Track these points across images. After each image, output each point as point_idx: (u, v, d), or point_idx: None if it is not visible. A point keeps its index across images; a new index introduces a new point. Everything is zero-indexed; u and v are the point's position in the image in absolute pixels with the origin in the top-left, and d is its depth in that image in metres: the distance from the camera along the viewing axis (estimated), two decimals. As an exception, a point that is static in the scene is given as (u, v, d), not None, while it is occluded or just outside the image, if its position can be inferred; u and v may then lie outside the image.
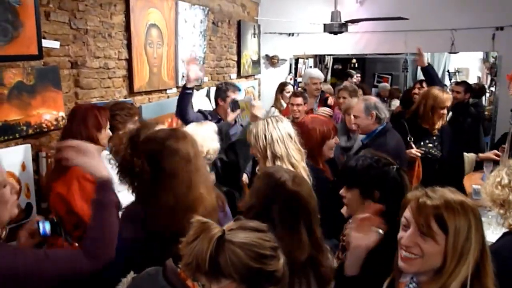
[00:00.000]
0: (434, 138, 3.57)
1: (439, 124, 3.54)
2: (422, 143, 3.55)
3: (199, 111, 3.54)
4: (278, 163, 2.19)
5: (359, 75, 8.28)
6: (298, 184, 1.55)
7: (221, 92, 3.60)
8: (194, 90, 3.41)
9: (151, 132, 1.72)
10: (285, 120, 2.33)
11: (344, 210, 2.00)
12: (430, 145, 3.56)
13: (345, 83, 5.02)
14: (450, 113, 4.59)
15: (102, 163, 1.53)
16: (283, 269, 1.17)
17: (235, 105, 3.51)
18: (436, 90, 3.60)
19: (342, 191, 1.89)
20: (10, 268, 1.24)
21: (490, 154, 3.63)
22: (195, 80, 3.28)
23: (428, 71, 4.21)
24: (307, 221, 1.51)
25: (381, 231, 1.50)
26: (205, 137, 2.87)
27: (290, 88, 5.04)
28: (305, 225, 1.50)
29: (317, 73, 5.01)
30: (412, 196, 1.28)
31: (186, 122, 3.23)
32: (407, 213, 1.26)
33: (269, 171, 1.66)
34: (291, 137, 2.25)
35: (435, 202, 1.21)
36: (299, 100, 4.25)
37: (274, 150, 2.21)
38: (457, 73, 8.85)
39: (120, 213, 1.57)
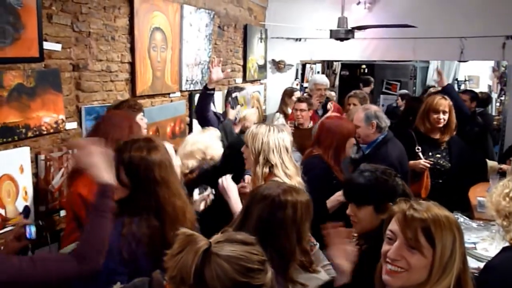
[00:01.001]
0: (442, 149, 3.50)
1: (445, 136, 3.47)
2: (430, 154, 3.47)
3: (213, 113, 3.59)
4: (269, 170, 2.16)
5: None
6: (289, 193, 1.57)
7: (227, 95, 3.70)
8: (215, 91, 3.47)
9: (126, 142, 1.75)
10: (286, 133, 2.30)
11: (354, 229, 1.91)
12: (438, 155, 3.48)
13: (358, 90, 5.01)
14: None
15: (108, 167, 1.53)
16: (271, 283, 1.14)
17: (234, 101, 3.54)
18: (433, 96, 3.59)
19: (349, 211, 1.82)
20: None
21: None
22: (216, 81, 3.38)
23: (449, 91, 4.01)
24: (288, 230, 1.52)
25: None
26: (208, 144, 2.87)
27: (298, 93, 5.02)
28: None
29: (321, 79, 4.98)
30: (398, 209, 1.26)
31: (206, 120, 3.35)
32: (394, 226, 1.25)
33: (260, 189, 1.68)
34: (287, 150, 2.22)
35: (422, 215, 1.21)
36: (303, 105, 4.26)
37: (269, 157, 2.17)
38: (467, 82, 8.75)
39: None
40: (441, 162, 3.47)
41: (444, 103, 3.42)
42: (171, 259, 1.12)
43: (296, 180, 2.15)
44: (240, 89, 3.83)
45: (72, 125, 2.74)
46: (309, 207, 1.59)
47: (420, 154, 3.44)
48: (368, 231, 1.77)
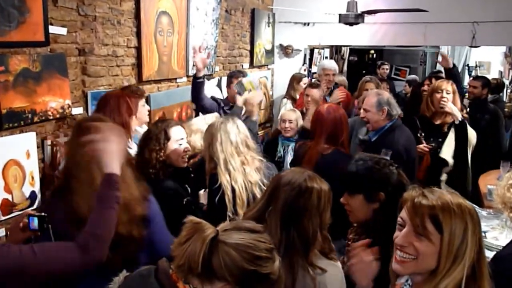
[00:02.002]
0: (444, 134, 3.52)
1: (447, 121, 3.50)
2: (431, 139, 3.52)
3: (213, 98, 3.61)
4: (212, 165, 2.18)
5: (387, 66, 7.70)
6: (314, 181, 1.56)
7: (228, 78, 3.69)
8: (205, 79, 3.47)
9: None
10: (241, 125, 2.30)
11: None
12: (440, 140, 3.51)
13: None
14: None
15: (117, 157, 1.51)
16: (279, 272, 1.14)
17: (241, 87, 3.50)
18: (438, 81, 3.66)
19: (343, 199, 1.83)
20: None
21: None
22: (203, 68, 3.36)
23: (453, 73, 4.04)
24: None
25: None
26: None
27: (306, 80, 4.96)
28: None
29: (330, 64, 4.91)
30: (408, 196, 1.25)
31: (202, 108, 3.39)
32: (403, 213, 1.24)
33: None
34: (231, 142, 2.20)
35: (431, 202, 1.19)
36: (315, 91, 4.18)
37: (213, 151, 2.20)
38: (478, 68, 8.60)
39: None
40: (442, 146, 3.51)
41: (447, 84, 3.50)
42: (178, 247, 1.12)
43: (239, 172, 2.17)
44: (243, 73, 3.75)
45: (78, 110, 2.73)
46: (331, 196, 1.60)
47: (422, 139, 3.50)
48: (363, 221, 1.79)
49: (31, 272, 1.28)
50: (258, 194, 2.09)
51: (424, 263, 1.19)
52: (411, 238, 1.20)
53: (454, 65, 4.12)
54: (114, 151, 1.50)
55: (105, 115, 2.28)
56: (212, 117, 2.93)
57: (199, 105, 3.43)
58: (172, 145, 2.30)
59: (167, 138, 2.28)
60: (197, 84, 3.37)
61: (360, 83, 4.64)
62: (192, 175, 2.50)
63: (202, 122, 2.91)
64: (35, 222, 1.55)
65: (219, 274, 1.07)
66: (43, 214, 1.58)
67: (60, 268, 1.34)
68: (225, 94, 4.07)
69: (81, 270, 1.41)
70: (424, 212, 1.18)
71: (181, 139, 2.33)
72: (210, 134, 2.28)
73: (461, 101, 4.03)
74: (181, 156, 2.34)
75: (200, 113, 3.48)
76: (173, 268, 1.15)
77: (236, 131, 2.26)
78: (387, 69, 7.45)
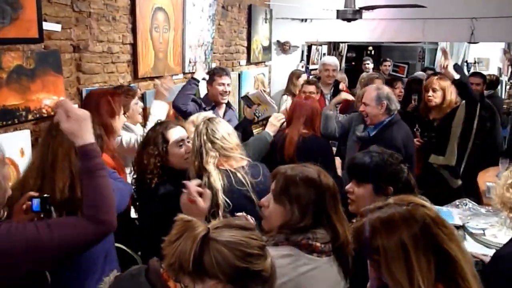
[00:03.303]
0: (434, 128, 3.57)
1: (437, 116, 3.54)
2: (426, 134, 3.59)
3: (193, 99, 3.43)
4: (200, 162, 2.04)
5: (389, 63, 7.56)
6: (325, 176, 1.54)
7: (209, 76, 3.54)
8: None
9: None
10: (219, 121, 2.15)
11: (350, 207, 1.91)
12: (433, 135, 3.57)
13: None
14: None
15: (89, 129, 1.47)
16: (271, 269, 1.13)
17: (248, 101, 3.50)
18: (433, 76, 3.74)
19: (349, 186, 1.84)
20: (14, 246, 1.23)
21: None
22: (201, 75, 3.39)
23: (462, 82, 3.51)
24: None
25: None
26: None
27: (304, 76, 4.93)
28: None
29: (330, 59, 4.89)
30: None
31: (184, 113, 3.20)
32: None
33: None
34: (207, 140, 2.05)
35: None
36: (312, 88, 4.22)
37: (200, 151, 2.04)
38: (476, 64, 8.58)
39: None
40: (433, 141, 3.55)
41: (436, 81, 3.51)
42: (168, 245, 1.11)
43: (211, 169, 2.01)
44: (225, 71, 3.62)
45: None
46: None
47: (418, 134, 3.60)
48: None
49: (47, 247, 1.27)
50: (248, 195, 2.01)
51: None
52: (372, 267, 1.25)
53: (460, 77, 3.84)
54: (79, 124, 1.45)
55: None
56: (210, 113, 2.89)
57: (183, 111, 3.24)
58: (172, 147, 2.18)
59: (166, 141, 2.17)
60: (192, 86, 3.31)
61: (367, 79, 4.64)
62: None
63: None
64: (37, 204, 1.54)
65: (211, 272, 1.06)
66: (45, 195, 1.56)
67: (75, 240, 1.34)
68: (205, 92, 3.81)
69: (94, 242, 1.41)
70: (365, 244, 1.22)
71: (181, 140, 2.20)
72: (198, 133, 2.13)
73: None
74: (183, 158, 2.20)
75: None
76: (163, 267, 1.14)
77: (223, 129, 2.13)
78: (389, 65, 7.40)
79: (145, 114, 3.08)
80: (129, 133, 2.73)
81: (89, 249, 1.45)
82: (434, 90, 3.49)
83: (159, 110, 2.96)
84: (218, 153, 2.02)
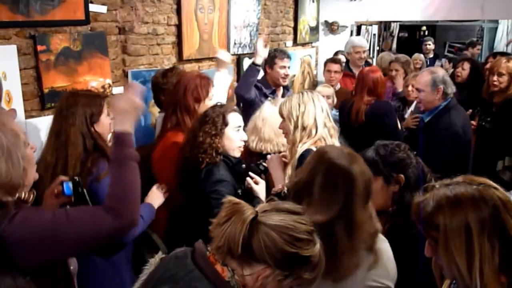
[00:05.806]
0: (494, 111, 3.37)
1: (499, 99, 3.32)
2: (483, 117, 3.44)
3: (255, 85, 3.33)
4: (304, 134, 2.11)
5: (430, 42, 6.90)
6: (349, 160, 1.43)
7: (269, 59, 3.41)
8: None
9: None
10: (319, 95, 2.25)
11: None
12: (489, 118, 3.37)
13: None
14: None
15: (133, 120, 1.47)
16: (320, 255, 1.10)
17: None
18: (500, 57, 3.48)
19: None
20: (30, 234, 1.20)
21: None
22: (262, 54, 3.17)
23: None
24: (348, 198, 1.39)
25: None
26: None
27: (343, 58, 4.72)
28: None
29: (360, 41, 4.71)
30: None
31: (247, 100, 3.13)
32: None
33: (320, 149, 1.58)
34: (323, 111, 2.15)
35: (427, 205, 1.12)
36: (336, 67, 4.17)
37: (303, 121, 2.10)
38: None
39: None
40: (487, 126, 3.37)
41: (503, 65, 3.30)
42: (217, 228, 1.10)
43: (331, 142, 2.13)
44: (286, 53, 3.54)
45: (118, 90, 2.71)
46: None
47: (477, 116, 3.49)
48: (382, 206, 1.72)
49: (64, 236, 1.25)
50: None
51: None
52: (429, 245, 1.14)
53: None
54: (129, 111, 1.46)
55: (173, 94, 2.42)
56: None
57: (246, 98, 3.12)
58: (229, 132, 2.11)
59: (225, 124, 2.09)
60: (255, 74, 3.16)
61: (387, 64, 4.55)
62: (244, 165, 2.23)
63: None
64: (69, 187, 1.55)
65: (259, 256, 1.05)
66: (76, 179, 1.57)
67: (92, 232, 1.30)
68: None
69: (115, 236, 1.38)
70: (424, 219, 1.12)
71: (238, 126, 2.15)
72: (302, 104, 2.16)
73: None
74: (238, 145, 2.15)
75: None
76: (210, 250, 1.13)
77: (323, 101, 2.21)
78: (429, 45, 6.82)
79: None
80: None
81: (112, 242, 1.43)
82: (500, 75, 3.25)
83: (223, 79, 2.96)
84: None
